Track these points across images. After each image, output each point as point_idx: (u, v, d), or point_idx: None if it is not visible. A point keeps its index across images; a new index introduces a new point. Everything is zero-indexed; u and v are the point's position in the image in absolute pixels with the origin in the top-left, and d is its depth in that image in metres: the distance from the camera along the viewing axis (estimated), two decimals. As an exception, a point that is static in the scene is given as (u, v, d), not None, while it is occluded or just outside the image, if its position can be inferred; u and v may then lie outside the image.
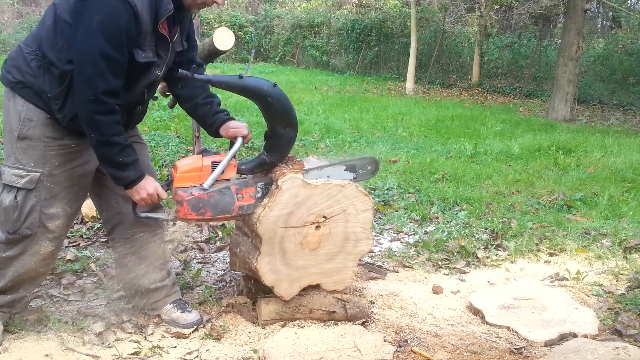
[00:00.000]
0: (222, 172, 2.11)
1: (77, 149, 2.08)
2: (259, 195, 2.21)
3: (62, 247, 2.28)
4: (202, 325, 2.32)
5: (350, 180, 2.37)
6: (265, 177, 2.25)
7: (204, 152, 2.15)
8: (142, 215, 2.13)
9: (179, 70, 2.04)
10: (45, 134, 2.00)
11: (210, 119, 2.24)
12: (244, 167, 2.20)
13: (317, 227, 2.31)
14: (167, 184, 2.12)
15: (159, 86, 3.57)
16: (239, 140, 2.19)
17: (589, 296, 2.79)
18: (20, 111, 1.99)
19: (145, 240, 2.30)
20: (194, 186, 2.07)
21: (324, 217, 2.31)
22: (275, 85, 2.10)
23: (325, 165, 2.37)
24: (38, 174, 2.01)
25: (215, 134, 2.24)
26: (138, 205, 2.11)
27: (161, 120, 7.81)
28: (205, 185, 2.07)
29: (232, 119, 2.25)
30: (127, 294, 2.40)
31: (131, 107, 2.13)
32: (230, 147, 2.19)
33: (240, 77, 2.06)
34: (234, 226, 2.59)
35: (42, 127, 2.00)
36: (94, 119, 1.88)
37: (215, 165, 2.10)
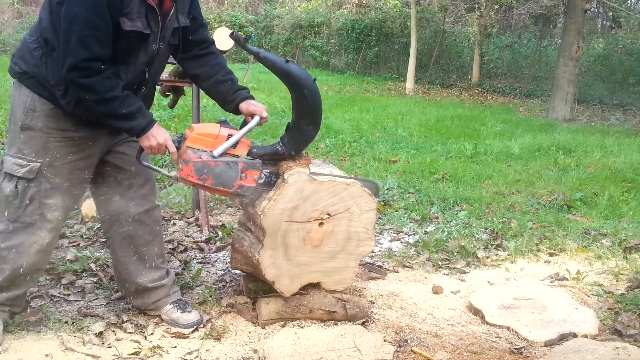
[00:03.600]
0: (235, 146, 2.10)
1: (80, 142, 2.07)
2: (262, 181, 2.20)
3: (57, 240, 2.28)
4: (202, 325, 2.32)
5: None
6: (273, 166, 2.25)
7: (223, 123, 2.14)
8: (145, 163, 2.13)
9: (234, 33, 2.12)
10: (49, 125, 2.01)
11: (231, 95, 2.24)
12: (255, 150, 2.20)
13: (321, 224, 2.31)
14: (179, 141, 2.09)
15: (159, 87, 3.58)
16: (256, 119, 2.19)
17: (589, 296, 2.79)
18: (25, 101, 2.01)
19: (142, 239, 2.29)
20: (204, 151, 2.06)
21: (327, 214, 2.31)
22: (315, 80, 2.13)
23: (329, 175, 2.36)
24: (38, 164, 2.02)
25: (236, 110, 2.23)
26: (144, 153, 2.09)
27: (161, 120, 7.81)
28: (215, 153, 2.06)
29: (253, 97, 2.26)
30: (126, 294, 2.40)
31: (134, 89, 2.10)
32: (246, 125, 2.19)
33: (287, 61, 2.10)
34: (237, 223, 2.60)
35: (45, 118, 2.01)
36: (81, 83, 1.88)
37: (230, 138, 2.10)
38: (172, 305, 2.35)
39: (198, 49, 2.26)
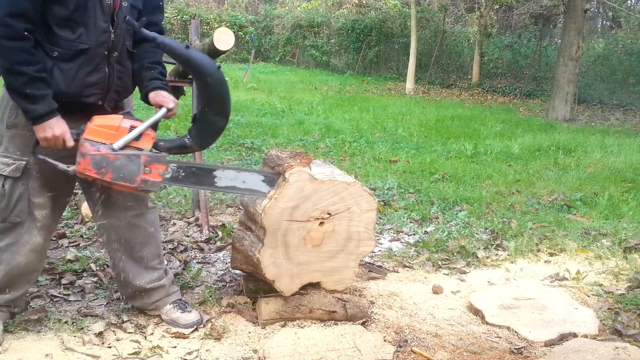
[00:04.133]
0: (138, 139, 1.99)
1: None
2: (168, 176, 2.08)
3: (50, 241, 2.26)
4: (202, 325, 2.32)
5: (266, 194, 2.24)
6: (180, 160, 2.17)
7: (126, 114, 2.03)
8: (40, 157, 1.98)
9: (129, 18, 1.98)
10: (29, 144, 1.98)
11: (146, 82, 2.14)
12: (162, 144, 2.09)
13: (321, 224, 2.32)
14: (77, 134, 1.97)
15: None
16: (162, 111, 2.07)
17: (589, 296, 2.79)
18: (10, 99, 1.98)
19: (138, 242, 2.27)
20: (104, 143, 1.94)
21: (328, 213, 2.31)
22: (219, 67, 2.00)
23: (244, 170, 2.27)
24: (24, 162, 2.00)
25: (145, 98, 2.14)
26: (40, 145, 1.98)
27: (161, 120, 7.81)
28: (115, 146, 1.94)
29: (167, 89, 2.15)
30: (126, 296, 2.39)
31: (104, 55, 2.00)
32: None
33: (187, 47, 1.97)
34: (237, 222, 2.60)
35: (24, 139, 1.98)
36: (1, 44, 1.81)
37: (132, 130, 1.99)
38: (171, 305, 2.35)
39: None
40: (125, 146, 1.97)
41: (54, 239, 3.24)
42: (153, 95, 2.11)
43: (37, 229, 2.08)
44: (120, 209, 2.23)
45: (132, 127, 1.98)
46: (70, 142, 1.94)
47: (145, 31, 1.96)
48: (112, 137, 1.95)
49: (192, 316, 2.32)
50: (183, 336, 2.24)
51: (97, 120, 1.97)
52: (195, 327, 2.30)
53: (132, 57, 2.16)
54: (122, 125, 1.97)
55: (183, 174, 2.11)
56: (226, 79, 2.05)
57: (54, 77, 1.93)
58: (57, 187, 2.09)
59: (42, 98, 1.89)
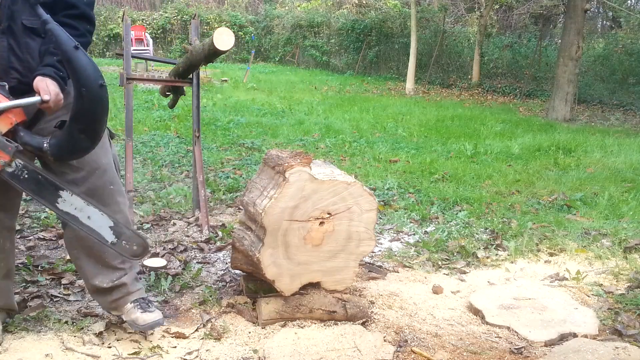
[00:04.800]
0: None
1: None
2: (10, 170, 1.83)
3: (7, 243, 2.12)
4: (202, 325, 2.32)
5: (108, 244, 2.03)
6: (31, 162, 1.92)
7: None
8: None
9: None
10: None
11: (40, 66, 1.90)
12: (22, 134, 1.86)
13: (321, 224, 2.32)
14: None
15: (159, 87, 3.55)
16: (35, 98, 1.83)
17: (589, 296, 2.79)
18: None
19: (94, 241, 2.06)
20: None
21: (328, 213, 2.32)
22: (102, 85, 1.80)
23: (94, 206, 1.99)
24: None
25: (32, 82, 1.89)
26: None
27: (161, 120, 7.81)
28: None
29: (54, 77, 1.88)
30: (88, 290, 2.26)
31: None
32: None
33: (77, 47, 1.74)
34: (238, 222, 2.59)
35: None
36: None
37: None
38: (132, 304, 2.16)
39: (63, 14, 1.92)
40: None
41: (53, 238, 3.24)
42: (36, 81, 1.86)
43: None
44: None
45: None
46: None
47: (39, 9, 1.75)
48: None
49: (153, 316, 2.13)
50: (183, 336, 2.24)
51: None
52: (153, 329, 2.15)
53: (39, 34, 1.91)
54: None
55: (26, 176, 1.87)
56: (107, 100, 1.85)
57: None
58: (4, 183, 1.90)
59: None
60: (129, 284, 2.18)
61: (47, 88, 1.84)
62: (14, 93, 1.85)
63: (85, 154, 1.92)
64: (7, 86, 1.83)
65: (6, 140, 1.81)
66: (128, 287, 2.17)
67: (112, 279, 2.14)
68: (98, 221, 1.98)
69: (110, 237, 2.01)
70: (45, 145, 1.87)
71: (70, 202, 1.93)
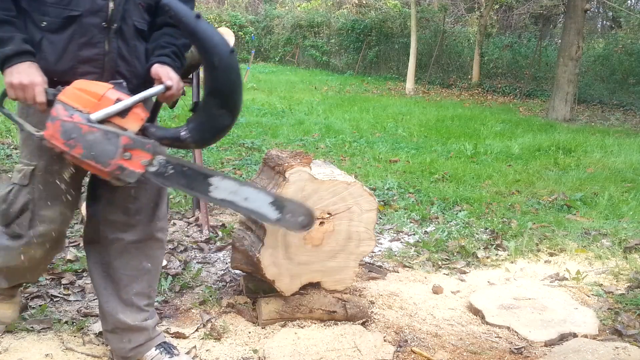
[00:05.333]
0: (123, 116, 1.65)
1: None
2: (153, 170, 1.70)
3: (54, 253, 1.95)
4: (202, 325, 2.32)
5: (273, 221, 1.89)
6: (173, 155, 1.80)
7: (118, 85, 1.69)
8: (3, 109, 1.70)
9: None
10: (43, 121, 1.65)
11: (153, 56, 1.81)
12: (153, 130, 1.73)
13: (321, 223, 2.32)
14: (54, 94, 1.64)
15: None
16: (159, 87, 1.74)
17: (589, 296, 2.79)
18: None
19: (125, 273, 1.92)
20: (80, 111, 1.61)
21: (328, 213, 2.32)
22: (232, 51, 1.66)
23: (250, 185, 1.91)
24: (32, 167, 1.73)
25: (148, 72, 1.79)
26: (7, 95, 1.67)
27: (161, 121, 7.81)
28: (92, 117, 1.61)
29: (170, 65, 1.79)
30: (104, 328, 2.02)
31: (102, 27, 1.68)
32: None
33: (198, 16, 1.63)
34: (238, 222, 2.60)
35: (39, 115, 1.68)
36: None
37: (118, 103, 1.67)
38: (157, 350, 2.00)
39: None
40: (105, 120, 1.63)
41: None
42: (155, 67, 1.77)
43: (37, 245, 1.80)
44: (116, 227, 1.89)
45: (119, 100, 1.64)
46: (40, 97, 1.62)
47: None
48: (91, 106, 1.62)
49: (183, 359, 2.02)
50: (183, 336, 2.24)
51: (79, 83, 1.65)
52: None
53: (145, 38, 1.85)
54: (108, 95, 1.63)
55: (172, 171, 1.72)
56: (239, 67, 1.73)
57: (42, 50, 1.67)
58: (67, 197, 1.80)
59: (10, 39, 1.59)
60: (151, 328, 2.01)
61: (168, 74, 1.75)
62: None
63: (227, 131, 1.80)
64: (124, 83, 1.71)
65: (142, 138, 1.67)
66: (150, 332, 2.00)
67: (137, 319, 1.95)
68: (256, 200, 1.83)
69: (273, 214, 1.86)
70: (182, 133, 1.74)
71: (223, 187, 1.78)
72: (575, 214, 4.25)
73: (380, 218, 3.95)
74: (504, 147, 6.98)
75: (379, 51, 18.15)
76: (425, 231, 3.74)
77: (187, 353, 2.12)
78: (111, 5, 1.69)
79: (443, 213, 4.15)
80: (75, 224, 3.52)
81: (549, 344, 2.30)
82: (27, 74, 1.60)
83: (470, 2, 17.83)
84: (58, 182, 1.77)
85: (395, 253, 3.31)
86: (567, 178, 5.42)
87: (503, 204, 4.43)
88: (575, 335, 2.35)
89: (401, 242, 3.55)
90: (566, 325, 2.43)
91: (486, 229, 3.80)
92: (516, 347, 2.27)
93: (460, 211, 4.19)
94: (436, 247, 3.37)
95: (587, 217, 4.16)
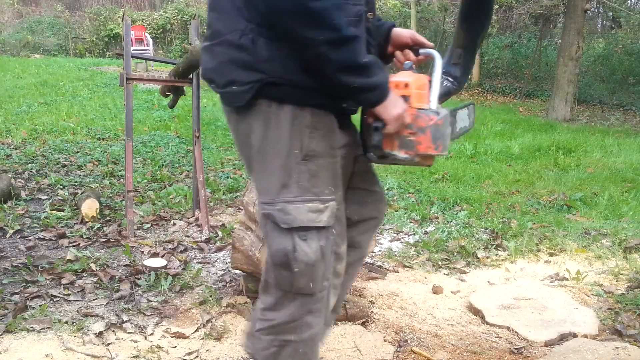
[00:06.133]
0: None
1: (348, 149, 1.48)
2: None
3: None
4: (202, 325, 2.32)
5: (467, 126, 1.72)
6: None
7: (410, 67, 1.52)
8: (388, 152, 1.44)
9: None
10: (333, 141, 1.38)
11: (381, 24, 1.61)
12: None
13: (321, 224, 2.31)
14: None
15: (159, 87, 3.56)
16: (436, 55, 1.52)
17: (589, 296, 2.79)
18: (296, 121, 1.32)
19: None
20: (425, 109, 1.43)
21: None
22: None
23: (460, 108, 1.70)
24: (334, 201, 1.38)
25: (387, 36, 1.58)
26: (382, 138, 1.40)
27: (161, 120, 7.82)
28: (440, 111, 1.44)
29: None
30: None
31: (361, 16, 1.36)
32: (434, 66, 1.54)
33: None
34: (238, 222, 2.60)
35: (327, 134, 1.36)
36: (311, 9, 1.18)
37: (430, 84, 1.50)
38: None
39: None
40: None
41: (54, 238, 3.24)
42: (401, 31, 1.57)
43: (333, 289, 1.48)
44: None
45: (429, 82, 1.48)
46: (407, 118, 1.39)
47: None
48: (425, 98, 1.45)
49: None
50: (183, 336, 2.24)
51: (414, 82, 1.44)
52: None
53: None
54: (426, 81, 1.46)
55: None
56: None
57: None
58: (343, 217, 1.48)
59: (376, 62, 1.31)
60: None
61: (422, 40, 1.57)
62: None
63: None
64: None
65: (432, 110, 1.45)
66: None
67: None
68: (463, 119, 1.68)
69: (468, 121, 1.70)
70: (450, 84, 1.59)
71: (459, 118, 1.64)
72: (575, 214, 4.25)
73: (380, 218, 3.95)
74: (504, 147, 6.98)
75: (379, 51, 18.15)
76: (425, 231, 3.74)
77: (188, 354, 2.12)
78: None
79: (443, 213, 4.15)
80: (75, 224, 3.52)
81: (549, 344, 2.30)
82: (398, 100, 1.38)
83: (470, 2, 17.81)
84: (343, 209, 1.48)
85: (395, 253, 3.31)
86: (567, 178, 5.42)
87: (503, 204, 4.43)
88: (575, 335, 2.35)
89: (401, 242, 3.55)
90: (566, 325, 2.43)
91: (486, 229, 3.80)
92: (516, 347, 2.27)
93: (460, 211, 4.19)
94: (436, 247, 3.37)
95: (587, 217, 4.16)
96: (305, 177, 1.33)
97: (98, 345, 2.13)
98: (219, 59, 1.31)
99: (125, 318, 2.34)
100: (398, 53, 1.60)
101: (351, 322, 2.39)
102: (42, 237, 3.26)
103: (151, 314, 2.40)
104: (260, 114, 1.31)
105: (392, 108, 1.35)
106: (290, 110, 1.30)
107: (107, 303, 2.48)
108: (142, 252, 3.11)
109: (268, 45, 1.27)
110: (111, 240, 3.26)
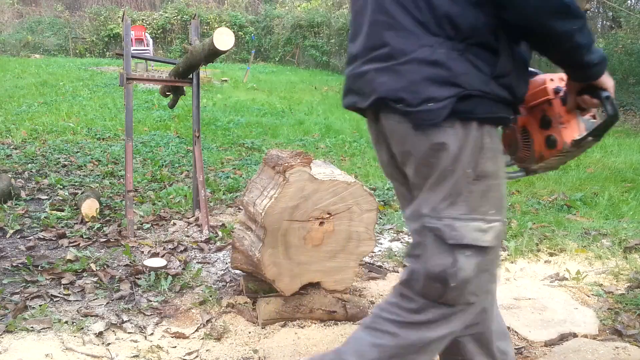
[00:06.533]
0: None
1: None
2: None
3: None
4: (202, 325, 2.32)
5: None
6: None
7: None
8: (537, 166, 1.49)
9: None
10: (500, 164, 1.37)
11: None
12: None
13: (321, 223, 2.32)
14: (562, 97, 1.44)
15: (159, 87, 3.55)
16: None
17: (589, 296, 2.79)
18: (475, 141, 1.30)
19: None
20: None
21: (328, 213, 2.32)
22: None
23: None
24: (498, 222, 1.38)
25: None
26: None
27: (161, 120, 7.82)
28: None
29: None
30: None
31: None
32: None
33: None
34: (238, 222, 2.60)
35: (495, 154, 1.35)
36: (565, 2, 1.23)
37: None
38: None
39: None
40: None
41: (54, 238, 3.25)
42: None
43: (478, 309, 1.48)
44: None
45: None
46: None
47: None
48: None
49: None
50: (183, 336, 2.24)
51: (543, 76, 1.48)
52: None
53: None
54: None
55: None
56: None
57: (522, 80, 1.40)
58: None
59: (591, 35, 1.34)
60: None
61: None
62: None
63: None
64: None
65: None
66: None
67: None
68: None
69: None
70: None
71: None
72: (575, 214, 4.25)
73: (381, 218, 3.95)
74: (504, 147, 6.98)
75: (379, 51, 18.15)
76: (425, 231, 3.73)
77: (188, 354, 2.12)
78: None
79: (443, 213, 4.14)
80: (75, 224, 3.52)
81: (549, 344, 2.30)
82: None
83: (470, 2, 17.82)
84: None
85: (396, 253, 3.31)
86: (567, 178, 5.41)
87: (503, 204, 4.42)
88: (575, 335, 2.35)
89: (401, 242, 3.55)
90: (566, 325, 2.43)
91: (486, 229, 3.80)
92: (516, 347, 2.27)
93: (460, 211, 4.18)
94: (436, 247, 3.37)
95: (587, 217, 4.16)
96: (474, 197, 1.34)
97: (98, 345, 2.13)
98: (410, 77, 1.29)
99: (125, 318, 2.34)
100: None
101: (351, 322, 2.39)
102: (42, 237, 3.26)
103: (151, 314, 2.40)
104: (449, 131, 1.29)
105: (608, 77, 1.38)
106: (474, 128, 1.30)
107: (107, 303, 2.48)
108: (142, 252, 3.11)
109: (460, 57, 1.27)
110: (111, 240, 3.26)
